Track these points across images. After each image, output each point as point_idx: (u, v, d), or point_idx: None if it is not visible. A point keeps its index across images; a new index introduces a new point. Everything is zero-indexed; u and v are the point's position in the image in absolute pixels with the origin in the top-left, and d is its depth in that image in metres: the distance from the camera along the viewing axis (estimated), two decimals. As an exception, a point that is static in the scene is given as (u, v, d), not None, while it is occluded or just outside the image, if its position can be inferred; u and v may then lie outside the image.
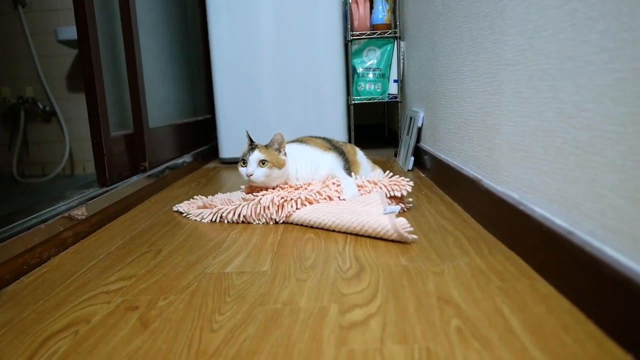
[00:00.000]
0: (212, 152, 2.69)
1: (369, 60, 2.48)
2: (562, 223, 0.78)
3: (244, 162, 1.35)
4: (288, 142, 1.51)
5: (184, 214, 1.43)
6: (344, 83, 2.38)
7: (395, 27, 2.42)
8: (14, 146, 2.96)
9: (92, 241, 1.22)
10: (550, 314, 0.70)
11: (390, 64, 2.48)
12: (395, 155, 2.37)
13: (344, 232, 1.16)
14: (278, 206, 1.28)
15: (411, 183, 1.33)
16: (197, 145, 2.59)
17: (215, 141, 2.60)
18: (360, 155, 1.67)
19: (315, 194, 1.31)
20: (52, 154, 3.02)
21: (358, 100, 2.47)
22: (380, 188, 1.33)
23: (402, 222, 1.06)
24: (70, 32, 2.65)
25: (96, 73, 1.48)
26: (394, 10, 2.44)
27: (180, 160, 2.14)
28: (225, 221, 1.32)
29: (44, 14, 2.88)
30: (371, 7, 2.47)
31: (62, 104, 2.97)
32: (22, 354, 0.68)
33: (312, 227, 1.23)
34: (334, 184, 1.37)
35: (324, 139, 1.61)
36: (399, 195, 1.30)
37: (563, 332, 0.64)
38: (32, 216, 1.13)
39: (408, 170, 1.95)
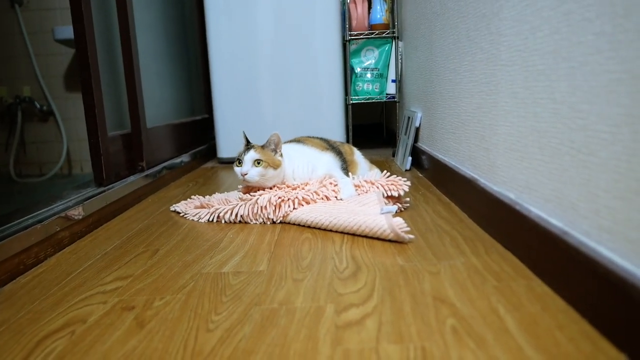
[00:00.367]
0: (210, 151, 2.68)
1: (367, 60, 2.48)
2: (558, 223, 0.79)
3: (239, 162, 1.36)
4: (285, 142, 1.52)
5: (181, 214, 1.43)
6: (342, 83, 2.38)
7: (393, 27, 2.42)
8: (11, 146, 2.96)
9: (89, 241, 1.22)
10: (545, 313, 0.70)
11: (388, 64, 2.48)
12: (393, 155, 2.37)
13: (341, 232, 1.16)
14: (275, 206, 1.28)
15: (408, 183, 1.34)
16: (195, 145, 2.59)
17: (213, 141, 2.60)
18: (357, 155, 1.67)
19: (312, 193, 1.32)
20: (50, 153, 3.01)
21: (356, 100, 2.47)
22: (378, 188, 1.33)
23: (399, 221, 1.06)
24: (67, 31, 2.65)
25: (93, 73, 1.48)
26: (392, 10, 2.45)
27: (177, 160, 2.14)
28: (223, 221, 1.33)
29: (41, 13, 2.88)
30: (369, 7, 2.48)
31: (59, 104, 2.96)
32: (18, 354, 0.68)
33: (309, 227, 1.23)
34: (331, 183, 1.37)
35: (321, 139, 1.61)
36: (396, 195, 1.31)
37: (558, 332, 0.65)
38: (28, 216, 1.13)
39: (406, 170, 1.95)
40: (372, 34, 2.42)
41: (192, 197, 1.55)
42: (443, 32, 1.52)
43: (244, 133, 1.43)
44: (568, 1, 0.75)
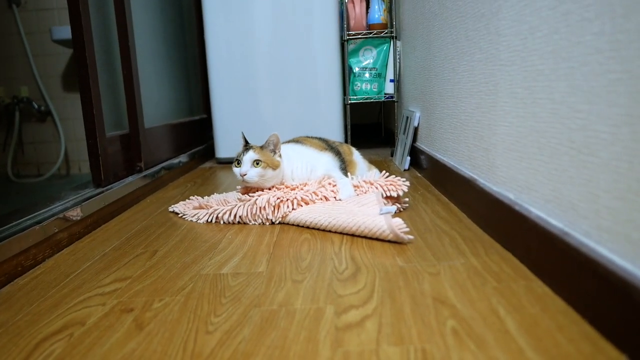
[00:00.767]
0: (208, 152, 2.68)
1: (365, 60, 2.48)
2: (558, 223, 0.79)
3: (238, 163, 1.35)
4: (284, 142, 1.51)
5: (180, 215, 1.42)
6: (340, 83, 2.38)
7: (392, 26, 2.42)
8: (9, 146, 2.95)
9: (87, 242, 1.22)
10: (545, 314, 0.70)
11: (387, 64, 2.48)
12: (392, 155, 2.37)
13: (340, 233, 1.15)
14: (274, 207, 1.28)
15: (407, 183, 1.33)
16: (193, 145, 2.59)
17: (211, 141, 2.59)
18: (356, 155, 1.67)
19: (311, 194, 1.31)
20: (48, 154, 3.00)
21: (354, 99, 2.47)
22: (377, 188, 1.33)
23: (398, 222, 1.06)
24: (65, 31, 2.64)
25: (91, 73, 1.47)
26: (390, 10, 2.45)
27: (176, 161, 2.14)
28: (221, 222, 1.32)
29: (38, 13, 2.87)
30: (367, 7, 2.47)
31: (57, 104, 2.95)
32: (17, 357, 0.68)
33: (308, 227, 1.22)
34: (330, 184, 1.37)
35: (320, 139, 1.61)
36: (395, 195, 1.31)
37: (558, 333, 0.65)
38: (26, 217, 1.13)
39: (404, 170, 1.95)
40: (370, 33, 2.42)
41: (191, 197, 1.54)
42: (441, 32, 1.52)
43: (243, 134, 1.43)
44: (567, 1, 0.75)
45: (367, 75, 2.48)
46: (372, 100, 2.49)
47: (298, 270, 0.94)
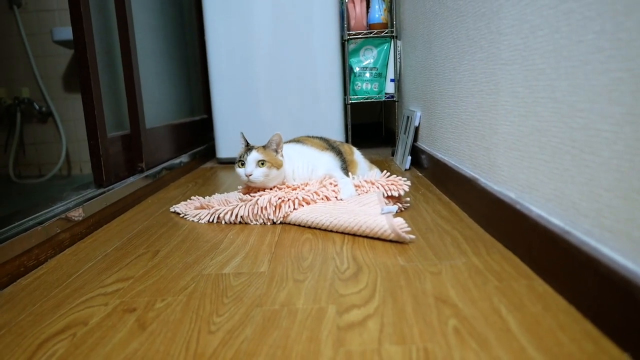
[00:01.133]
0: (209, 152, 2.68)
1: (365, 60, 2.48)
2: (559, 222, 0.79)
3: (242, 163, 1.35)
4: (285, 142, 1.51)
5: (181, 215, 1.43)
6: (341, 82, 2.38)
7: (392, 26, 2.42)
8: (11, 147, 2.95)
9: (89, 243, 1.22)
10: (547, 313, 0.70)
11: (387, 63, 2.48)
12: (393, 155, 2.37)
13: (342, 232, 1.16)
14: (275, 207, 1.28)
15: (408, 182, 1.34)
16: (194, 145, 2.59)
17: (212, 141, 2.59)
18: (357, 155, 1.67)
19: (312, 194, 1.31)
20: (49, 154, 3.01)
21: (355, 99, 2.47)
22: (378, 188, 1.33)
23: (400, 222, 1.06)
24: (66, 32, 2.64)
25: (92, 74, 1.47)
26: (390, 10, 2.44)
27: (177, 161, 2.14)
28: (223, 222, 1.32)
29: (39, 14, 2.87)
30: (367, 7, 2.47)
31: (58, 105, 2.96)
32: (20, 357, 0.68)
33: (309, 227, 1.23)
34: (331, 184, 1.37)
35: (321, 138, 1.61)
36: (397, 195, 1.31)
37: (560, 332, 0.65)
38: (28, 218, 1.13)
39: (405, 170, 1.95)
40: (371, 33, 2.42)
41: (192, 197, 1.54)
42: (442, 31, 1.52)
43: (242, 134, 1.43)
44: (568, 0, 0.75)
45: (367, 75, 2.48)
46: (372, 100, 2.49)
47: (300, 270, 0.94)
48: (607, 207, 0.66)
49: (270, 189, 1.38)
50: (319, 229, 1.20)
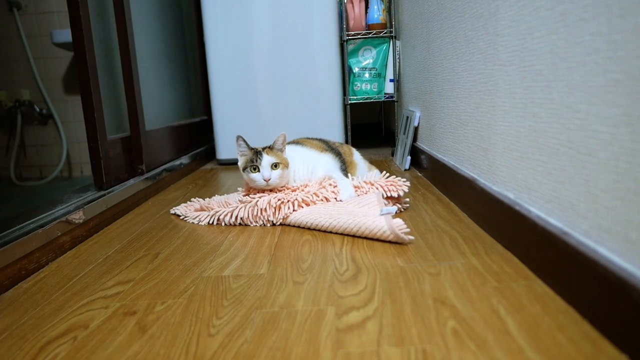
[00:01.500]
0: (209, 153, 2.69)
1: (364, 60, 2.49)
2: (557, 223, 0.79)
3: (254, 168, 1.32)
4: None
5: (181, 217, 1.43)
6: (340, 83, 2.38)
7: (391, 26, 2.42)
8: (12, 149, 2.96)
9: (90, 245, 1.22)
10: (545, 314, 0.70)
11: (386, 64, 2.48)
12: (392, 155, 2.37)
13: (341, 234, 1.16)
14: (275, 208, 1.28)
15: (408, 183, 1.34)
16: (194, 146, 2.59)
17: (212, 142, 2.60)
18: (356, 156, 1.67)
19: (312, 195, 1.32)
20: (50, 156, 3.01)
21: (354, 100, 2.47)
22: (377, 189, 1.33)
23: (399, 223, 1.07)
24: (65, 34, 2.65)
25: (92, 76, 1.48)
26: (389, 10, 2.45)
27: (177, 162, 2.14)
28: (223, 224, 1.33)
29: (39, 16, 2.88)
30: (366, 7, 2.48)
31: (58, 107, 2.96)
32: (21, 361, 0.68)
33: (309, 228, 1.23)
34: (330, 185, 1.37)
35: (320, 140, 1.61)
36: (396, 195, 1.31)
37: (558, 332, 0.65)
38: (29, 221, 1.13)
39: (405, 170, 1.95)
40: (370, 33, 2.42)
41: (192, 199, 1.55)
42: (440, 32, 1.52)
43: (243, 138, 1.37)
44: (565, 2, 0.75)
45: (366, 75, 2.48)
46: (372, 100, 2.49)
47: (299, 271, 0.94)
48: (604, 208, 0.66)
49: (271, 191, 1.38)
50: (319, 230, 1.21)
